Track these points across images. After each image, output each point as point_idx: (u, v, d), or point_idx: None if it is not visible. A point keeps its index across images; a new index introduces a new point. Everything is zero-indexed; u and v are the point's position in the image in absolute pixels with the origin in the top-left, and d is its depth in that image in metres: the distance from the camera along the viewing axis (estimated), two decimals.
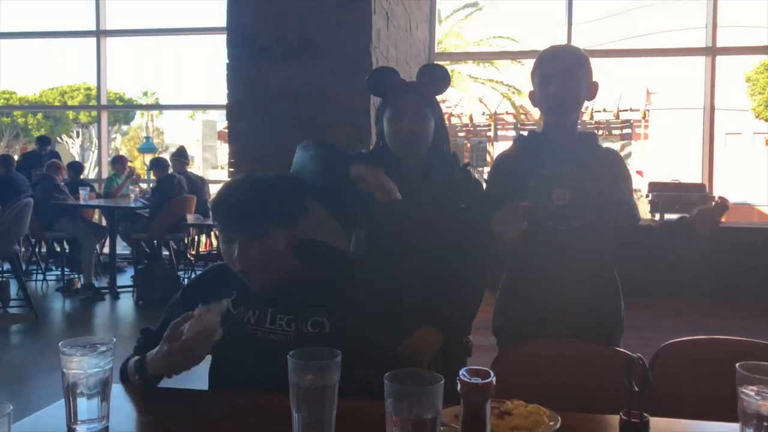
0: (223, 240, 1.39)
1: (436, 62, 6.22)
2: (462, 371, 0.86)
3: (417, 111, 1.73)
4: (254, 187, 1.39)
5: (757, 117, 17.04)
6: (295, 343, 1.18)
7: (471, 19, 17.32)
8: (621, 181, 1.85)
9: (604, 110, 18.27)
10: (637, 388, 0.91)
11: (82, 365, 1.07)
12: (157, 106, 27.45)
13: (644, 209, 5.99)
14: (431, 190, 1.74)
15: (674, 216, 5.61)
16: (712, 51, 6.18)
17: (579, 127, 1.88)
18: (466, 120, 19.99)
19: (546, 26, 19.74)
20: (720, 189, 6.32)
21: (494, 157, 1.98)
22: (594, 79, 1.80)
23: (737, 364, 0.98)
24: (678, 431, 1.17)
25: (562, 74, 1.74)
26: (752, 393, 0.96)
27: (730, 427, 1.08)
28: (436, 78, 1.78)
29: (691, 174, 6.93)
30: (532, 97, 1.84)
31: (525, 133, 1.95)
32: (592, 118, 19.15)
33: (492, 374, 0.86)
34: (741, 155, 17.74)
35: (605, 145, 1.93)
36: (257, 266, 1.36)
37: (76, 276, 6.43)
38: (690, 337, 1.49)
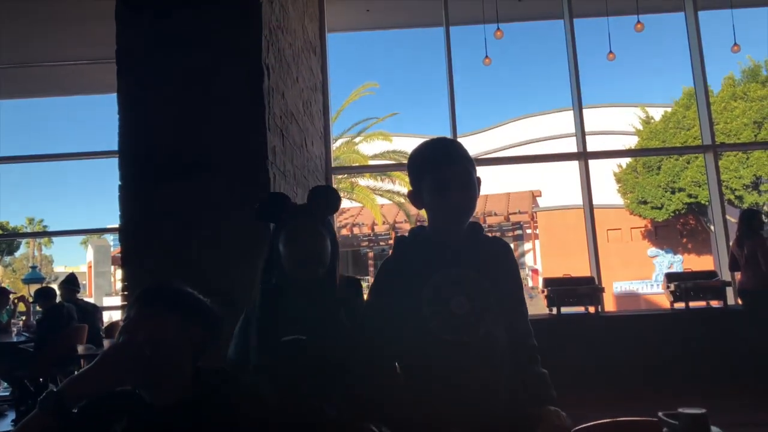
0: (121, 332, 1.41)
1: (326, 183, 6.42)
2: None
3: (313, 231, 1.77)
4: (165, 282, 1.48)
5: (631, 214, 18.55)
6: None
7: (367, 136, 18.11)
8: (513, 279, 1.73)
9: (495, 214, 19.33)
10: None
11: None
12: (45, 233, 26.12)
13: (542, 305, 6.21)
14: (323, 312, 1.74)
15: (570, 309, 5.85)
16: (584, 155, 6.78)
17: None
18: (366, 230, 20.42)
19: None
20: (606, 280, 6.73)
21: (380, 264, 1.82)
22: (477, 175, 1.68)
23: None
24: None
25: (461, 181, 1.61)
26: None
27: None
28: (327, 200, 1.83)
29: (580, 268, 7.33)
30: (416, 198, 1.68)
31: (406, 234, 1.79)
32: (484, 222, 20.10)
33: None
34: (623, 248, 19.03)
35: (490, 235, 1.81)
36: (138, 335, 1.34)
37: None
38: (594, 422, 1.52)
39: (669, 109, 18.11)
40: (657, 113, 18.53)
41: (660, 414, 0.90)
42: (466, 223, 1.68)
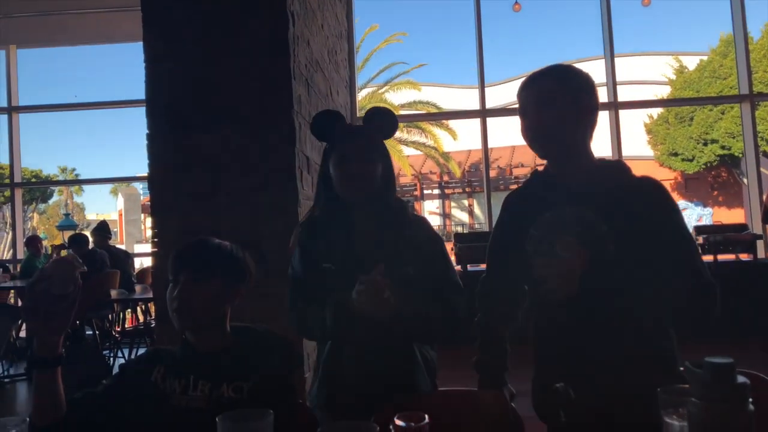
0: (171, 283, 1.46)
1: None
2: (395, 417, 0.86)
3: (364, 154, 1.69)
4: (206, 241, 1.52)
5: (661, 166, 18.21)
6: (213, 410, 1.17)
7: (394, 85, 17.90)
8: (658, 221, 1.40)
9: (522, 165, 19.13)
10: (564, 418, 0.93)
11: None
12: (76, 181, 26.61)
13: None
14: (384, 237, 1.68)
15: None
16: (614, 105, 6.62)
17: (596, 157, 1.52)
18: None
19: (463, 90, 20.62)
20: None
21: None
22: (591, 102, 1.48)
23: (659, 390, 1.01)
24: None
25: (535, 105, 1.47)
26: (674, 416, 0.99)
27: None
28: (383, 120, 1.75)
29: None
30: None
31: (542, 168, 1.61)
32: (511, 173, 19.92)
33: (425, 418, 0.87)
34: None
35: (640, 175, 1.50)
36: (191, 306, 1.42)
37: None
38: None
39: (705, 58, 17.52)
40: (692, 62, 17.94)
41: (686, 363, 0.90)
42: (547, 153, 1.51)
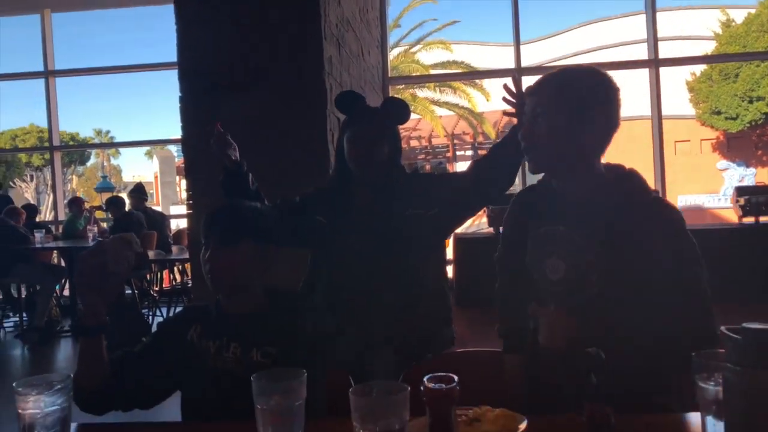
0: (204, 246, 1.49)
1: (394, 94, 6.32)
2: (425, 378, 0.86)
3: (373, 136, 1.86)
4: (234, 205, 1.54)
5: (702, 125, 17.66)
6: (244, 373, 1.19)
7: (426, 44, 17.62)
8: (666, 257, 1.33)
9: None
10: (595, 381, 0.92)
11: (38, 404, 1.03)
12: (112, 144, 27.12)
13: None
14: (382, 215, 1.87)
15: None
16: (655, 63, 6.41)
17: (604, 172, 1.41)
18: (424, 143, 20.27)
19: (497, 48, 20.19)
20: (673, 195, 6.51)
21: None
22: (600, 115, 1.35)
23: (693, 354, 1.00)
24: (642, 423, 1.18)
25: (532, 111, 1.38)
26: (709, 380, 0.98)
27: (691, 416, 1.12)
28: (397, 110, 1.90)
29: None
30: None
31: None
32: None
33: (455, 380, 0.87)
34: (691, 161, 18.31)
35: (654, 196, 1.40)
36: (221, 271, 1.44)
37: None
38: None
39: (753, 11, 16.77)
40: (739, 15, 17.20)
41: (723, 329, 0.88)
42: (538, 166, 1.42)
